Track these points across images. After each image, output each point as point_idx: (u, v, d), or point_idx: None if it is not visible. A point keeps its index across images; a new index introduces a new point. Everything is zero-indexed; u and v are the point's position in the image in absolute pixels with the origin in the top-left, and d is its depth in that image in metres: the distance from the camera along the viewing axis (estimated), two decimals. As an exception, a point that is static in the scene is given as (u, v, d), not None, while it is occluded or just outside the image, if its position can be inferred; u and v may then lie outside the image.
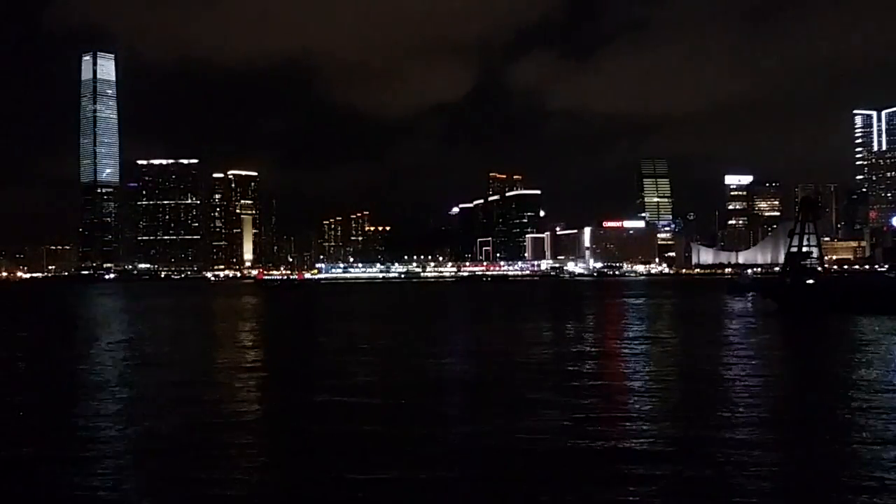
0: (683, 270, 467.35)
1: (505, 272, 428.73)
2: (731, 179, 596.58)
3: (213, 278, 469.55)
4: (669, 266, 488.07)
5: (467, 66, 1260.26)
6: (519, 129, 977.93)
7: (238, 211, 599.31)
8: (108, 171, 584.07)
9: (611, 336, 57.83)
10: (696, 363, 40.06)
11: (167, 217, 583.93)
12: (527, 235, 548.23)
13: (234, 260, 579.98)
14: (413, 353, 45.69)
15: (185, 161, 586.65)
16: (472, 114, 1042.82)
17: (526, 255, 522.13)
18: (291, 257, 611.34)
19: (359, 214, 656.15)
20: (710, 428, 23.47)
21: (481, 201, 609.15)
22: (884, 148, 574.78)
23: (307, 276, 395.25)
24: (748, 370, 36.67)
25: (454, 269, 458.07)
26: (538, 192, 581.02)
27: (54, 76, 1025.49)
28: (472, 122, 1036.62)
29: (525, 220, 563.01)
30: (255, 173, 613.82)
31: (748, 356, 42.36)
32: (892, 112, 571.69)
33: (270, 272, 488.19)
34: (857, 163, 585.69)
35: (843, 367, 37.50)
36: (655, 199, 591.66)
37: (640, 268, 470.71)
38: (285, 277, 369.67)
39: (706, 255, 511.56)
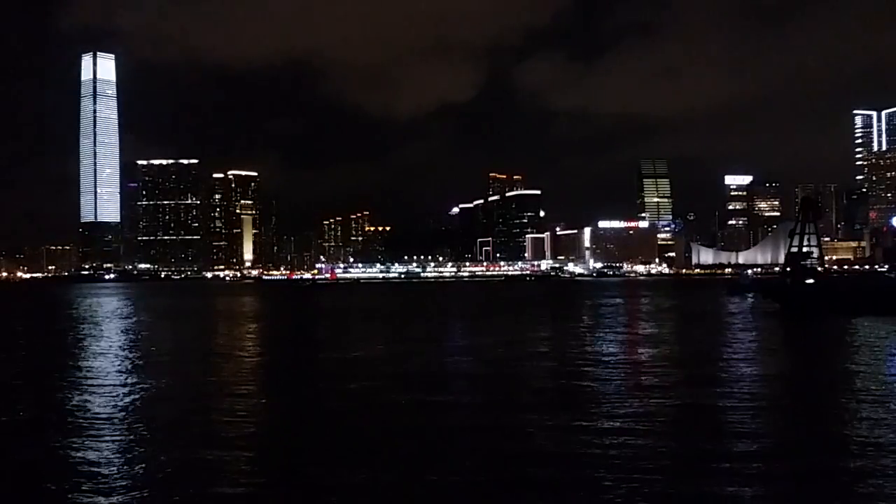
0: (683, 271, 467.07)
1: (546, 272, 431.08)
2: (731, 179, 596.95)
3: (227, 278, 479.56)
4: (669, 266, 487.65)
5: (476, 67, 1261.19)
6: (522, 130, 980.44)
7: (238, 211, 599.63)
8: (108, 171, 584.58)
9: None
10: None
11: (167, 217, 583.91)
12: (527, 235, 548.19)
13: (234, 260, 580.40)
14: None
15: (185, 161, 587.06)
16: (478, 115, 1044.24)
17: (526, 255, 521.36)
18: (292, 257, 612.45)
19: (359, 214, 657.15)
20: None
21: (481, 201, 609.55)
22: (884, 148, 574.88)
23: (338, 274, 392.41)
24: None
25: (454, 270, 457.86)
26: (538, 192, 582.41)
27: (55, 76, 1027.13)
28: (478, 124, 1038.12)
29: (525, 220, 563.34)
30: (255, 173, 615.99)
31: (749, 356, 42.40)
32: (892, 112, 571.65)
33: (270, 272, 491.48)
34: (857, 163, 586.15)
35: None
36: (655, 199, 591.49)
37: (640, 268, 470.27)
38: (316, 277, 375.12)
39: (706, 256, 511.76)
